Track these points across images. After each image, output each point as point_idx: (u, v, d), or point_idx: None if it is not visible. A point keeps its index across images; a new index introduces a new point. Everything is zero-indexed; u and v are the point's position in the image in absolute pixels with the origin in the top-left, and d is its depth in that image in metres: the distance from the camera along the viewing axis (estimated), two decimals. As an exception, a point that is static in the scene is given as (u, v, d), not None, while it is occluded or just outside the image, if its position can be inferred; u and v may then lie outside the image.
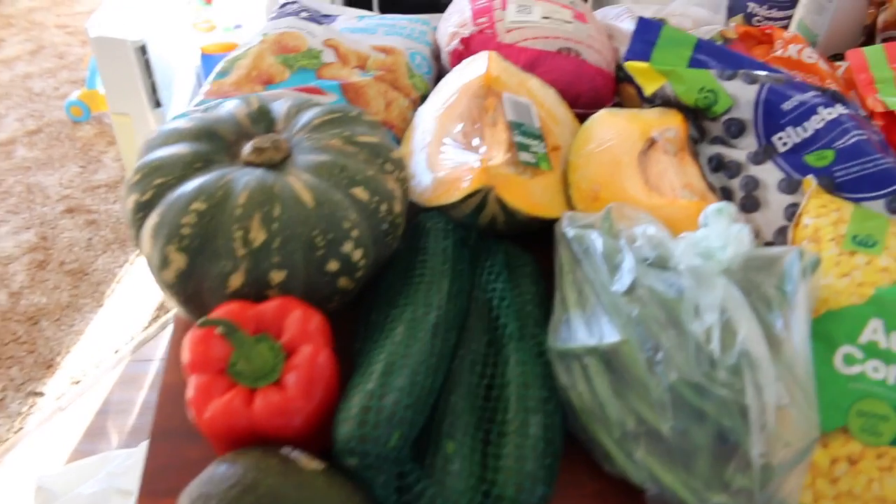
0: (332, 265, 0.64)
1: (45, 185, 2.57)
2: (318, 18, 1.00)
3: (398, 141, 0.87)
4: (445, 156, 0.77)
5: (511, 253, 0.75)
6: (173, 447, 0.67)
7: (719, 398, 0.57)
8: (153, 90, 2.27)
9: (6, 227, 2.43)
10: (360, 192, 0.66)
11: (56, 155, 2.69)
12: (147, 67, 2.21)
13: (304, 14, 0.98)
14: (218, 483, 0.54)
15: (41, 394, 1.97)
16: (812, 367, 0.59)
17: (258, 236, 0.62)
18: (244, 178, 0.65)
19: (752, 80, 0.79)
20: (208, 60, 2.54)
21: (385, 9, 1.96)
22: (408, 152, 0.82)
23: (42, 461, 1.81)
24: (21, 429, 1.89)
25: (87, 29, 2.15)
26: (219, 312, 0.61)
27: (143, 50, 2.17)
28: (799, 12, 1.06)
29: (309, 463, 0.56)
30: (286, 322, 0.61)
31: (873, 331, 0.61)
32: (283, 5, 1.02)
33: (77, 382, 2.00)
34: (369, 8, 2.03)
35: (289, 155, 0.69)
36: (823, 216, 0.69)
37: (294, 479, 0.54)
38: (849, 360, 0.61)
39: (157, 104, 2.31)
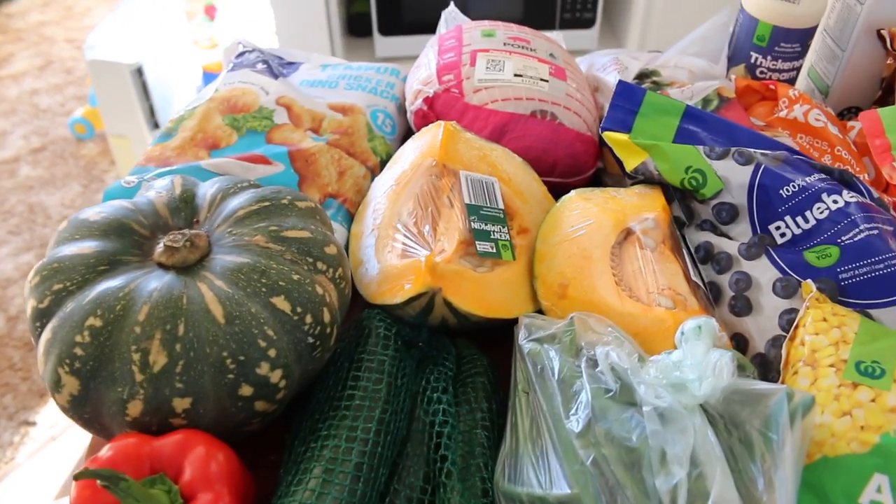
0: (245, 390, 0.56)
1: (46, 205, 2.53)
2: (277, 69, 0.92)
3: (351, 217, 0.79)
4: (394, 244, 0.68)
5: (464, 357, 0.66)
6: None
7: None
8: (151, 112, 2.21)
9: (6, 248, 2.39)
10: (282, 303, 0.58)
11: (59, 174, 2.65)
12: (144, 89, 2.16)
13: (260, 66, 0.90)
14: None
15: (34, 423, 1.92)
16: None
17: (158, 359, 0.54)
18: (149, 287, 0.57)
19: (747, 161, 0.69)
20: (210, 79, 2.48)
21: (385, 30, 1.88)
22: (359, 231, 0.74)
23: (31, 495, 1.76)
24: (13, 459, 1.85)
25: (84, 50, 2.10)
26: (109, 451, 0.53)
27: (139, 72, 2.12)
28: (809, 59, 0.96)
29: None
30: (186, 461, 0.53)
31: (877, 488, 0.51)
32: (241, 54, 0.94)
33: (70, 413, 1.95)
34: (369, 30, 1.95)
35: (208, 253, 0.61)
36: (823, 334, 0.59)
37: None
38: (848, 524, 0.51)
39: (156, 125, 2.26)
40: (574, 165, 0.81)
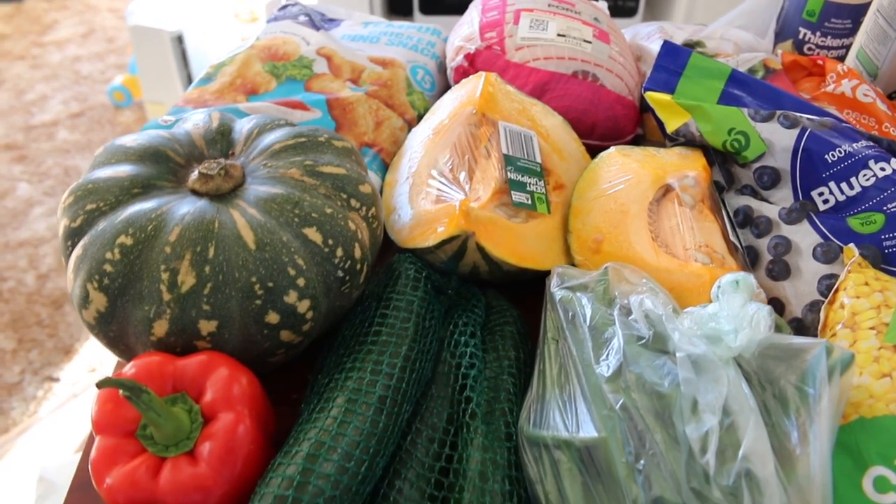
0: (272, 317, 0.56)
1: (81, 169, 2.55)
2: (319, 23, 0.91)
3: (385, 166, 0.78)
4: (428, 191, 0.68)
5: (493, 307, 0.65)
6: (90, 502, 0.59)
7: (712, 519, 0.47)
8: (189, 80, 2.22)
9: (40, 208, 2.42)
10: (313, 234, 0.57)
11: (96, 139, 2.67)
12: (184, 57, 2.17)
13: (302, 18, 0.89)
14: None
15: (57, 379, 1.94)
16: (831, 493, 0.48)
17: (187, 280, 0.54)
18: (181, 211, 0.56)
19: (792, 124, 0.67)
20: (249, 52, 2.48)
21: (426, 9, 1.88)
22: (393, 180, 0.73)
23: (52, 448, 1.78)
24: (35, 413, 1.87)
25: (126, 16, 2.11)
26: (132, 368, 0.53)
27: (179, 40, 2.13)
28: (859, 40, 0.93)
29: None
30: (208, 382, 0.52)
31: (915, 451, 0.50)
32: (284, 7, 0.93)
33: (94, 370, 1.97)
34: (410, 9, 1.95)
35: (242, 183, 0.60)
36: (864, 297, 0.57)
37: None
38: (881, 484, 0.50)
39: (193, 95, 2.26)
40: (613, 129, 0.80)
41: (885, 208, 0.62)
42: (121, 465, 0.50)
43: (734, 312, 0.53)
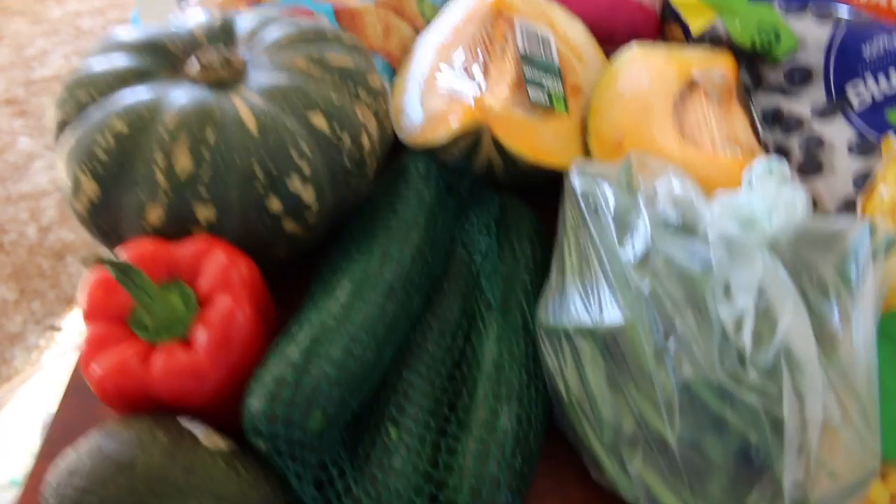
0: (274, 204, 0.52)
1: (83, 124, 2.52)
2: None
3: (394, 73, 0.74)
4: (440, 89, 0.64)
5: (509, 206, 0.62)
6: (86, 404, 0.56)
7: (746, 406, 0.43)
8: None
9: (41, 161, 2.38)
10: (319, 120, 0.54)
11: (97, 94, 2.63)
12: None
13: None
14: (89, 457, 0.43)
15: (59, 328, 1.92)
16: (875, 376, 0.45)
17: (183, 164, 0.50)
18: (179, 98, 0.53)
19: (826, 18, 0.63)
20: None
21: None
22: (403, 84, 0.69)
23: (54, 396, 1.77)
24: (38, 362, 1.85)
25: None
26: (124, 251, 0.49)
27: (182, -12, 2.08)
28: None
29: (211, 440, 0.45)
30: (205, 267, 0.49)
31: (960, 336, 0.47)
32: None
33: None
34: None
35: (244, 74, 0.57)
36: (904, 186, 0.54)
37: (184, 459, 0.43)
38: (924, 369, 0.47)
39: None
40: (632, 37, 0.76)
41: (926, 100, 0.59)
42: (110, 352, 0.47)
43: (768, 196, 0.49)
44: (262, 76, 0.56)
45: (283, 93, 0.54)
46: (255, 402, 0.43)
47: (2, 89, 2.74)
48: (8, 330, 1.95)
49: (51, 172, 2.38)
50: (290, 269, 0.60)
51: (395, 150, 0.65)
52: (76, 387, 0.58)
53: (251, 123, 0.52)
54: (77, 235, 2.18)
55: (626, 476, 0.47)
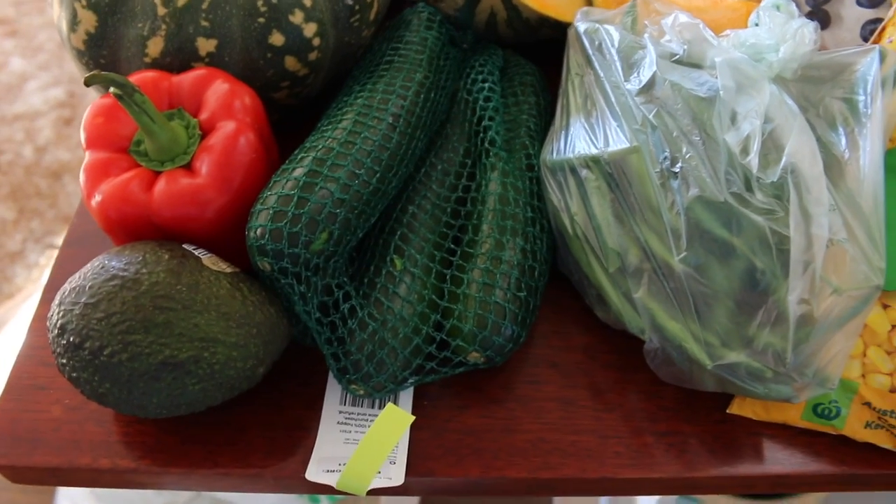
0: (276, 38, 0.51)
1: (76, 44, 2.48)
2: None
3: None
4: (444, -61, 0.62)
5: (511, 60, 0.61)
6: (86, 252, 0.56)
7: (752, 227, 0.43)
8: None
9: (35, 82, 2.35)
10: (322, -45, 0.53)
11: (90, 13, 2.58)
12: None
13: None
14: (96, 275, 0.43)
15: (58, 246, 1.92)
16: (882, 198, 0.44)
17: (184, -8, 0.49)
18: (176, -77, 0.51)
19: None
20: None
21: None
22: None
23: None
24: (38, 279, 1.86)
25: None
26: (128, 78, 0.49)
27: None
28: None
29: (214, 263, 0.44)
30: (207, 95, 0.48)
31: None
32: None
33: (94, 240, 1.95)
34: None
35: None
36: (915, 29, 0.53)
37: (189, 278, 0.42)
38: (931, 201, 0.46)
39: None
40: None
41: (940, -54, 0.57)
42: (112, 178, 0.46)
43: (776, 30, 0.48)
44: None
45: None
46: (260, 220, 0.43)
47: (-8, 10, 2.68)
48: (8, 248, 1.95)
49: (45, 93, 2.35)
50: (291, 122, 0.60)
51: (396, 10, 0.63)
52: (74, 239, 0.58)
53: (251, -43, 0.51)
54: (73, 155, 2.16)
55: (631, 306, 0.47)
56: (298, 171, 0.44)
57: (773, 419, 0.48)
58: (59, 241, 1.94)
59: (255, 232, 0.43)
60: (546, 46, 0.65)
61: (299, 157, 0.46)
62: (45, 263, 1.92)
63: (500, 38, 0.63)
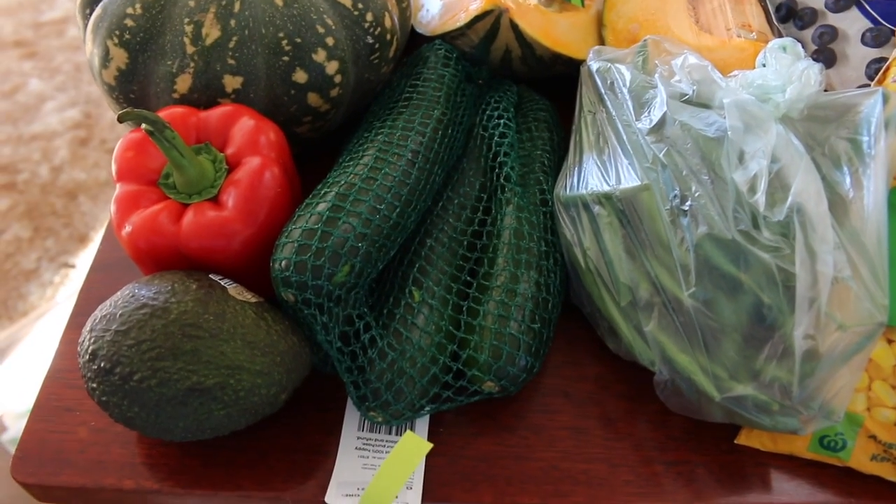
0: (300, 76, 0.53)
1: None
2: None
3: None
4: (460, -20, 0.64)
5: (525, 97, 0.63)
6: (112, 278, 0.58)
7: (760, 263, 0.45)
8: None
9: (53, 103, 2.39)
10: (344, -4, 0.55)
11: (107, 36, 2.63)
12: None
13: None
14: (126, 303, 0.44)
15: (73, 265, 1.94)
16: (885, 236, 0.46)
17: (211, 32, 0.51)
18: (206, -34, 0.54)
19: None
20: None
21: None
22: (422, -19, 0.70)
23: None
24: (53, 297, 1.87)
25: None
26: (158, 114, 0.51)
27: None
28: None
29: (240, 293, 0.46)
30: (233, 131, 0.50)
31: (970, 203, 0.48)
32: None
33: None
34: None
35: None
36: (920, 68, 0.54)
37: (215, 307, 0.44)
38: (934, 238, 0.48)
39: None
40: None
41: (943, -10, 0.59)
42: (142, 209, 0.48)
43: (783, 71, 0.50)
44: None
45: (308, -28, 0.55)
46: (285, 252, 0.45)
47: (10, 31, 2.74)
48: (23, 267, 1.98)
49: (62, 113, 2.39)
50: (312, 155, 0.62)
51: (414, 46, 0.66)
52: (100, 265, 0.60)
53: (277, -3, 0.53)
54: (89, 175, 2.19)
55: (642, 339, 0.49)
56: (322, 206, 0.46)
57: (780, 450, 0.49)
58: (74, 260, 1.96)
59: (280, 264, 0.45)
60: (560, 82, 0.67)
61: (322, 192, 0.47)
62: (60, 282, 1.94)
63: (515, 74, 0.65)
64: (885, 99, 0.48)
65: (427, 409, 0.47)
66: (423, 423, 0.49)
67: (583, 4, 0.65)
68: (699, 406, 0.47)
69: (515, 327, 0.47)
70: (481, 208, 0.54)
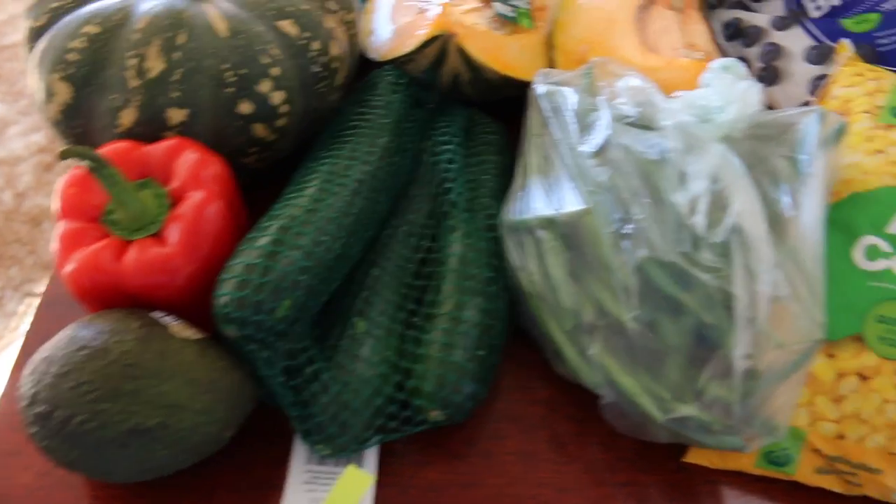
0: (245, 107, 0.53)
1: (58, 89, 2.49)
2: None
3: (365, -3, 0.75)
4: (408, 5, 0.65)
5: (476, 121, 0.63)
6: (60, 315, 0.57)
7: (700, 285, 0.45)
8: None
9: (16, 127, 2.37)
10: (289, 26, 0.55)
11: (71, 59, 2.61)
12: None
13: None
14: (66, 345, 0.44)
15: (38, 294, 1.92)
16: (822, 254, 0.47)
17: (155, 66, 0.51)
18: (150, 3, 0.53)
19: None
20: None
21: None
22: (371, 7, 0.70)
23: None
24: (17, 329, 1.85)
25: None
26: (99, 151, 0.50)
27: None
28: None
29: (182, 331, 0.46)
30: (177, 165, 0.50)
31: (905, 217, 0.49)
32: None
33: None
34: None
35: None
36: (857, 86, 0.55)
37: (157, 346, 0.44)
38: (872, 253, 0.48)
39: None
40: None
41: (879, 7, 0.60)
42: (84, 247, 0.48)
43: (724, 91, 0.50)
44: (233, -15, 0.57)
45: (254, 0, 0.55)
46: (226, 288, 0.44)
47: (-26, 56, 2.70)
48: (-14, 296, 1.94)
49: (26, 138, 2.37)
50: (261, 184, 0.62)
51: (365, 71, 0.66)
52: (51, 299, 0.59)
53: (221, 27, 0.53)
54: (53, 201, 2.17)
55: (587, 362, 0.49)
56: (263, 240, 0.46)
57: (727, 467, 0.50)
58: (38, 288, 1.94)
59: (221, 300, 0.44)
60: (513, 104, 0.67)
61: (265, 225, 0.47)
62: (24, 311, 1.91)
63: (466, 98, 0.65)
64: (822, 118, 0.49)
65: (374, 440, 0.47)
66: (372, 454, 0.49)
67: (532, 26, 0.65)
68: (645, 427, 0.47)
69: (460, 355, 0.47)
70: (428, 235, 0.54)
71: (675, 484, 0.49)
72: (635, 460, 0.50)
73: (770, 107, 0.62)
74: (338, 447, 0.46)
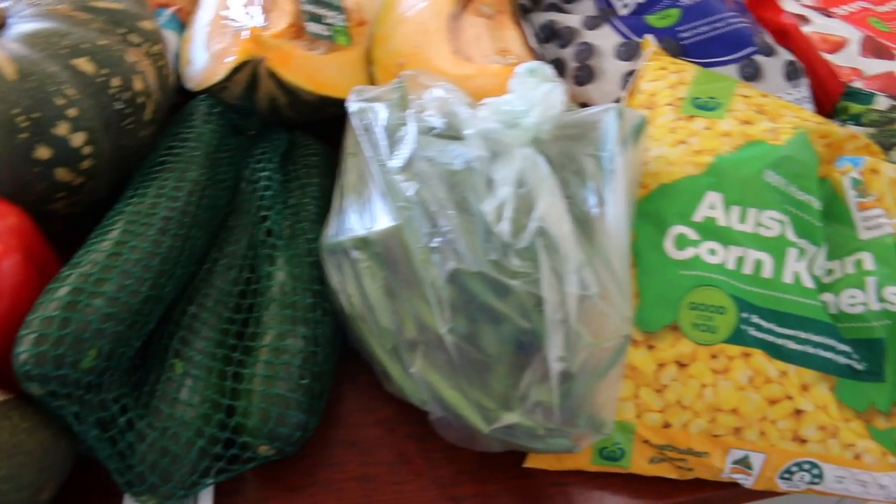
0: (43, 152, 0.51)
1: None
2: None
3: (184, 26, 0.73)
4: (223, 32, 0.63)
5: (299, 143, 0.62)
6: None
7: (515, 293, 0.45)
8: None
9: None
10: (84, 64, 0.53)
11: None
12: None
13: None
14: None
15: None
16: (628, 249, 0.48)
17: (-63, 117, 0.48)
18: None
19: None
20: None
21: None
22: (189, 35, 0.68)
23: None
24: None
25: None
26: None
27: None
28: None
29: (-18, 393, 0.43)
30: (-33, 221, 0.48)
31: (710, 206, 0.50)
32: None
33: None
34: None
35: (3, 26, 0.55)
36: (661, 79, 0.57)
37: (-49, 413, 0.41)
38: (681, 241, 0.50)
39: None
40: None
41: (679, 3, 0.63)
42: None
43: (528, 94, 0.51)
44: (22, 25, 0.54)
45: (44, 37, 0.53)
46: (24, 345, 0.42)
47: None
48: None
49: None
50: (77, 226, 0.59)
51: (185, 102, 0.64)
52: None
53: (9, 70, 0.50)
54: None
55: (410, 379, 0.49)
56: (62, 290, 0.44)
57: (566, 467, 0.50)
58: None
59: (20, 358, 0.42)
60: (339, 122, 0.66)
61: (65, 274, 0.45)
62: None
63: (287, 121, 0.64)
64: (620, 114, 0.50)
65: (202, 483, 0.45)
66: (207, 495, 0.47)
67: (350, 43, 0.65)
68: (475, 438, 0.47)
69: (283, 386, 0.46)
70: (248, 266, 0.53)
71: (519, 489, 0.50)
72: (477, 471, 0.50)
73: (587, 105, 0.63)
74: (163, 496, 0.44)
